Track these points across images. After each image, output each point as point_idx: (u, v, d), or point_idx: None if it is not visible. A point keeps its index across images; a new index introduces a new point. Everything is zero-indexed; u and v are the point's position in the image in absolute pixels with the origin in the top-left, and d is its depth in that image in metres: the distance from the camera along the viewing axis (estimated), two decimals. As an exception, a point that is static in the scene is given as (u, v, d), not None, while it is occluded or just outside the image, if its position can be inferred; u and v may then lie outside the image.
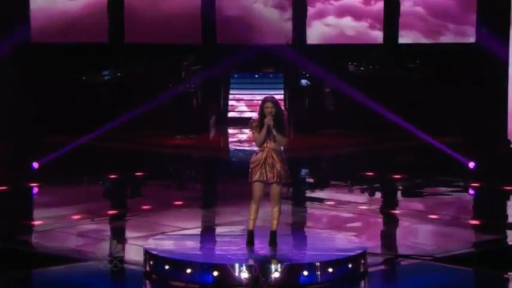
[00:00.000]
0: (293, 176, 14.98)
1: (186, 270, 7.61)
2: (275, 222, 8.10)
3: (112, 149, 18.25)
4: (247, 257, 7.84)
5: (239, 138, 20.05)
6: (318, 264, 7.62)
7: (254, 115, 8.27)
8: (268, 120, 7.93)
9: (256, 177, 7.99)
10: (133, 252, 8.69)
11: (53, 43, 22.20)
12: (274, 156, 8.00)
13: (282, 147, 8.09)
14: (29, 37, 21.95)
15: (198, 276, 7.58)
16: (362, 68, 23.60)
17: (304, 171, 16.47)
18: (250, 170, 8.06)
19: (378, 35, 23.12)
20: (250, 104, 22.21)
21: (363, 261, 7.98)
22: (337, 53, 23.01)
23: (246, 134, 19.54)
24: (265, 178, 7.98)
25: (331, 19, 23.47)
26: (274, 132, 7.98)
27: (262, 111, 8.03)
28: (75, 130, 17.64)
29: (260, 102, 8.17)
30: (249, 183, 8.12)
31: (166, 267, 7.75)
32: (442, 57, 21.64)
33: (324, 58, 21.63)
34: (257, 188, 8.05)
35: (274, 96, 8.31)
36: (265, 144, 8.03)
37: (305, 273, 7.56)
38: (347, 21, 23.17)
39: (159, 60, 23.35)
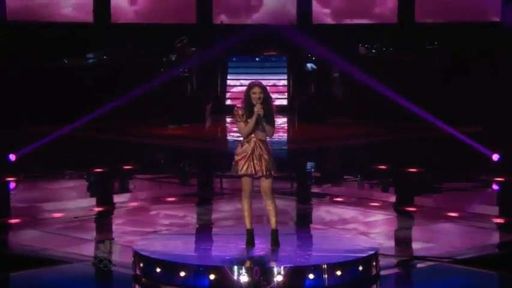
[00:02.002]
0: (298, 169, 15.19)
1: (179, 273, 7.64)
2: (273, 219, 8.12)
3: (97, 139, 18.28)
4: (247, 258, 7.87)
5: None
6: (325, 266, 7.64)
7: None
8: (259, 109, 7.93)
9: (243, 170, 8.02)
10: (122, 254, 8.72)
11: (31, 22, 22.19)
12: (262, 148, 8.03)
13: (268, 137, 8.10)
14: (4, 15, 21.96)
15: (193, 280, 7.61)
16: (374, 51, 23.62)
17: (310, 164, 16.51)
18: (234, 162, 8.08)
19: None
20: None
21: (374, 263, 8.01)
22: (347, 34, 23.04)
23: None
24: (253, 171, 8.01)
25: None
26: (263, 122, 8.00)
27: (249, 98, 8.02)
28: (56, 119, 17.67)
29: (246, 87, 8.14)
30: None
31: (158, 270, 7.78)
32: (464, 38, 21.64)
33: (332, 39, 21.66)
34: (246, 182, 8.09)
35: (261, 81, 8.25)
36: (252, 135, 8.05)
37: (311, 276, 7.58)
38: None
39: (148, 42, 23.37)
